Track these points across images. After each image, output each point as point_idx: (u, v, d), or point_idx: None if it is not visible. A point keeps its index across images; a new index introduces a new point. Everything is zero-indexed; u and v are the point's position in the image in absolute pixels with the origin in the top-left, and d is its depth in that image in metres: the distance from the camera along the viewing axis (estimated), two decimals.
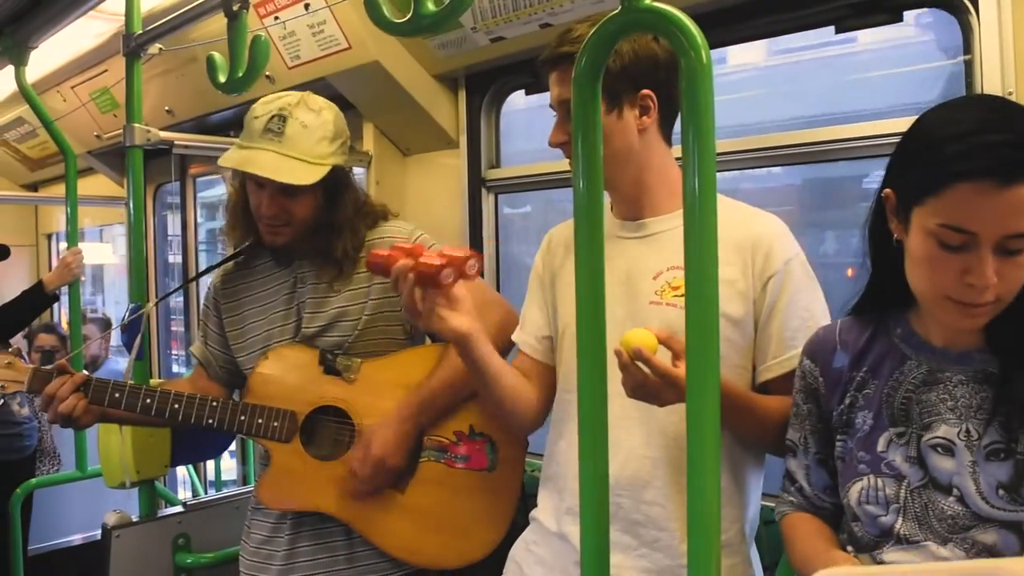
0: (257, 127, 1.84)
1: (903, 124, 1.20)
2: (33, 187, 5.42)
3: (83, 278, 3.58)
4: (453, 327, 1.56)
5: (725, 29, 2.02)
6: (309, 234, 1.93)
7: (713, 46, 0.90)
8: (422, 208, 2.80)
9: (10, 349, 1.92)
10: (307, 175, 1.83)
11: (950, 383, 1.19)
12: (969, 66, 1.69)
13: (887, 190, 1.20)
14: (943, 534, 1.15)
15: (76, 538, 4.27)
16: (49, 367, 1.92)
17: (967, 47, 1.70)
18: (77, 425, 1.92)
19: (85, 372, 2.00)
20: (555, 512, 1.65)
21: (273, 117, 1.84)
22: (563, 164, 2.37)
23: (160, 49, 2.32)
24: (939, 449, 1.17)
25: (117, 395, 1.89)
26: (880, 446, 1.22)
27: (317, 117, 1.87)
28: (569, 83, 1.51)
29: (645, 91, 1.51)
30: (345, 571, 1.95)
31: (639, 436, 1.52)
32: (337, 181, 1.92)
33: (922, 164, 1.12)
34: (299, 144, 1.83)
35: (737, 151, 2.08)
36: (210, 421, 1.91)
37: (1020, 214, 1.05)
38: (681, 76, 0.89)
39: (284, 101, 1.87)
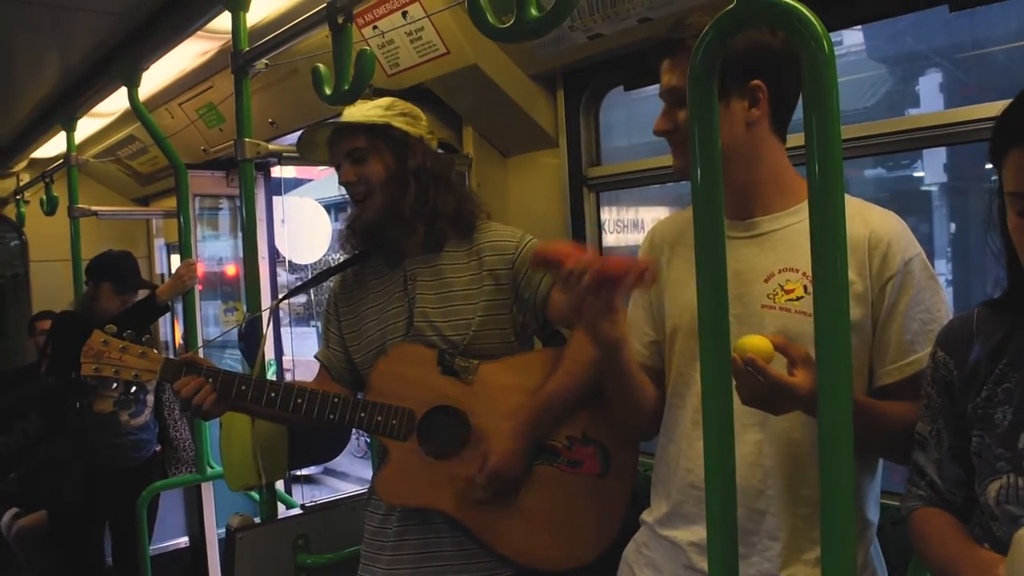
0: None
1: None
2: (144, 201, 5.64)
3: (199, 288, 3.70)
4: (618, 333, 1.52)
5: (838, 12, 1.94)
6: (407, 224, 2.00)
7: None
8: (523, 209, 2.80)
9: (144, 338, 1.99)
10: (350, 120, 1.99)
11: None
12: None
13: None
14: None
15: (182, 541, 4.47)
16: (179, 359, 1.99)
17: None
18: (206, 416, 1.98)
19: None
20: (663, 516, 1.64)
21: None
22: (666, 159, 2.35)
23: (266, 64, 2.39)
24: None
25: (243, 387, 1.95)
26: (1022, 443, 1.15)
27: (373, 99, 2.03)
28: (679, 71, 1.49)
29: (756, 81, 1.46)
30: (452, 566, 1.98)
31: (751, 443, 1.48)
32: (402, 144, 2.00)
33: None
34: (351, 114, 2.01)
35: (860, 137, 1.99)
36: (331, 416, 1.95)
37: None
38: (803, 68, 0.87)
39: None
